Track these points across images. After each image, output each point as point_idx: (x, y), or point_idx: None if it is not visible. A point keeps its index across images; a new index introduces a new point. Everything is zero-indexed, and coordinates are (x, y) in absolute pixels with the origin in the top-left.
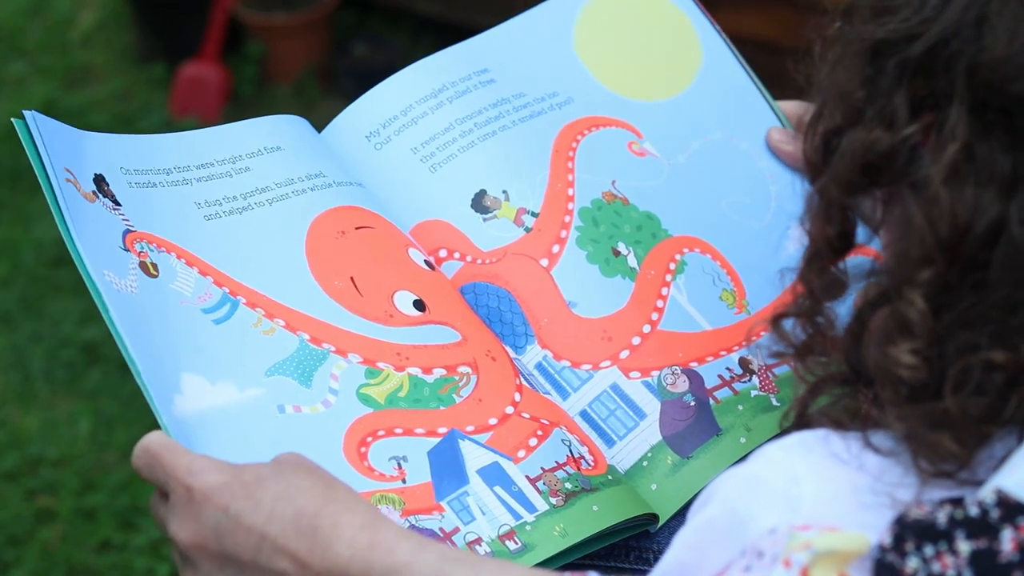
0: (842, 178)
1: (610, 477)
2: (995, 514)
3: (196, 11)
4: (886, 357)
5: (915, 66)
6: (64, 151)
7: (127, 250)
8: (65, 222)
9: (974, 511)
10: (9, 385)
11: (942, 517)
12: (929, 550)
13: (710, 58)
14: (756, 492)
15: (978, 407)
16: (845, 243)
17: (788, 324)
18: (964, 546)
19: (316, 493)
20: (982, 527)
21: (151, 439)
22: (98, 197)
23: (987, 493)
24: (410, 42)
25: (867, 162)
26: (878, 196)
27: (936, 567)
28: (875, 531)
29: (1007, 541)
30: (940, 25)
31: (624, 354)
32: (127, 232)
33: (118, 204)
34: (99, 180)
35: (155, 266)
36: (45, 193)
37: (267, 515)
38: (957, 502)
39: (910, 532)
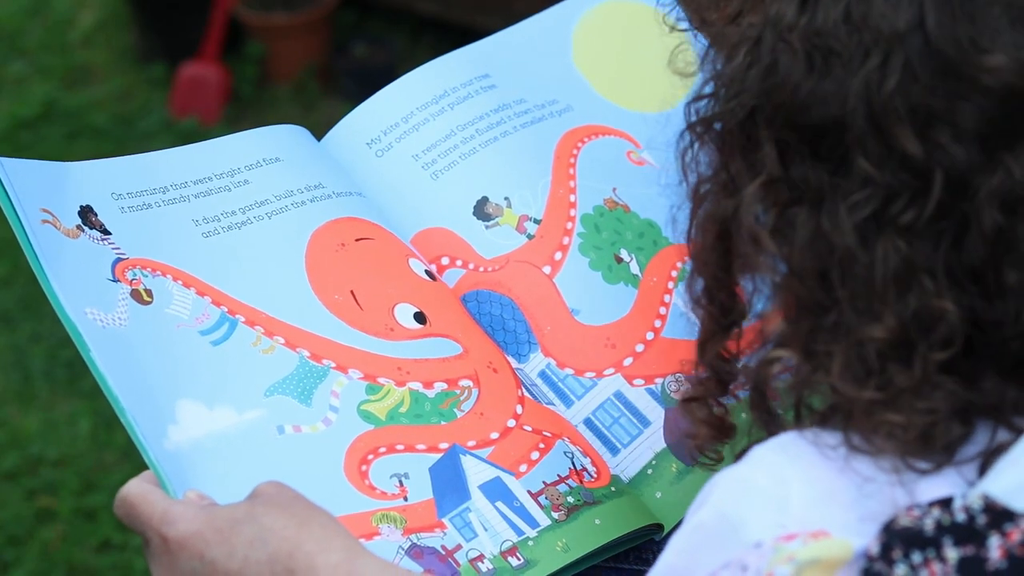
0: (704, 252)
1: (613, 489)
2: (982, 520)
3: (196, 11)
4: (760, 365)
5: (739, 132)
6: (41, 190)
7: (117, 280)
8: (42, 267)
9: (961, 517)
10: (9, 385)
11: (929, 524)
12: (917, 557)
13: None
14: (745, 494)
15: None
16: (730, 311)
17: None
18: (952, 553)
19: (289, 534)
20: (969, 534)
21: (128, 488)
22: (83, 230)
23: (974, 498)
24: (410, 42)
25: (719, 231)
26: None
27: (924, 575)
28: (864, 531)
29: (994, 548)
30: (747, 92)
31: (628, 361)
32: (117, 261)
33: (108, 233)
34: (85, 212)
35: (149, 292)
36: (20, 240)
37: (242, 560)
38: (946, 504)
39: (897, 540)
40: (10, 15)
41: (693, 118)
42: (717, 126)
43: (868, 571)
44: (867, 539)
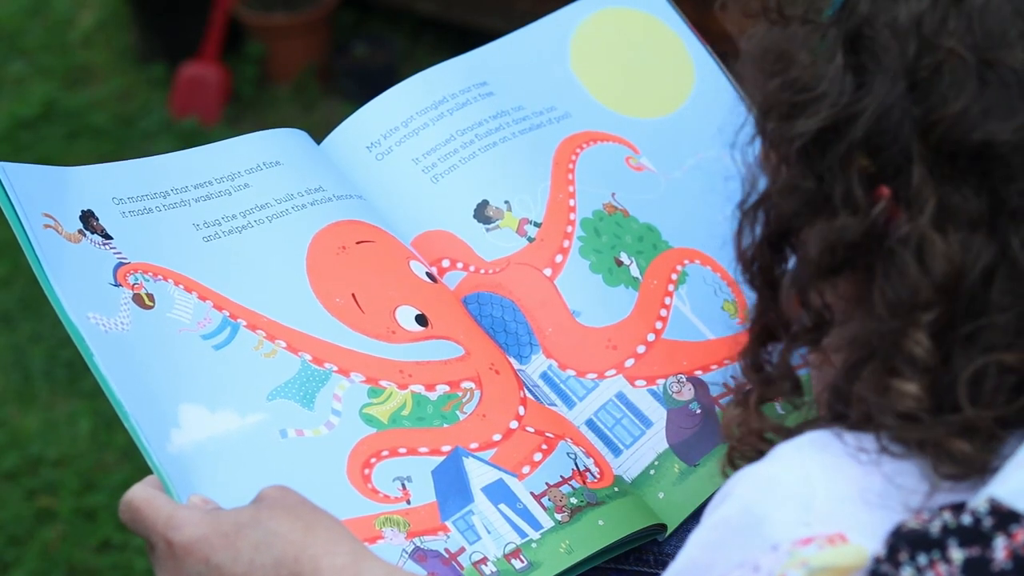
0: (815, 268)
1: (616, 489)
2: (988, 522)
3: (196, 11)
4: (887, 396)
5: (859, 146)
6: (42, 195)
7: (118, 285)
8: (44, 272)
9: (967, 520)
10: (9, 385)
11: (936, 526)
12: (923, 559)
13: (703, 78)
14: (770, 491)
15: (993, 412)
16: (824, 323)
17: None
18: (957, 554)
19: (295, 538)
20: (975, 535)
21: (133, 493)
22: (85, 235)
23: (980, 502)
24: (410, 42)
25: (840, 247)
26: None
27: None
28: (886, 531)
29: (1000, 549)
30: (873, 101)
31: (629, 363)
32: (119, 266)
33: (109, 238)
34: (87, 216)
35: (151, 296)
36: (22, 244)
37: (247, 564)
38: (958, 508)
39: (904, 542)
40: (10, 15)
41: (773, 128)
42: (815, 136)
43: (875, 573)
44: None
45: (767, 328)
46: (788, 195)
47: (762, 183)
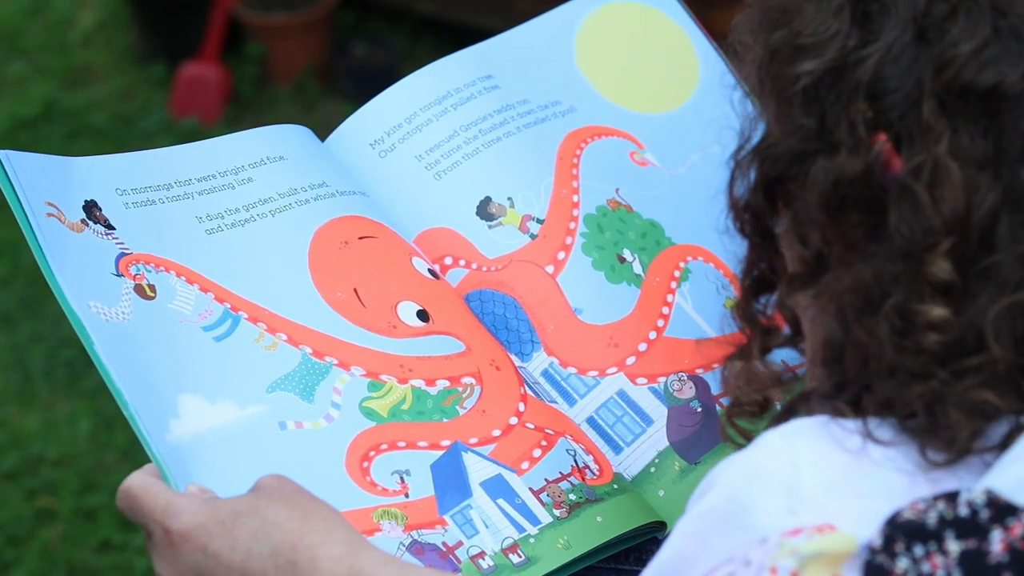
0: (817, 203)
1: (616, 486)
2: (985, 515)
3: (196, 11)
4: (910, 336)
5: (864, 89)
6: (46, 184)
7: (120, 275)
8: (46, 260)
9: (964, 512)
10: (9, 385)
11: (932, 517)
12: (919, 550)
13: (708, 74)
14: (756, 479)
15: (1016, 356)
16: (823, 263)
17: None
18: (954, 546)
19: (292, 527)
20: (972, 528)
21: (131, 481)
22: (87, 225)
23: (977, 494)
24: (410, 42)
25: (843, 183)
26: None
27: (926, 567)
28: (873, 519)
29: (996, 542)
30: (882, 47)
31: (631, 360)
32: (121, 256)
33: (111, 228)
34: (89, 206)
35: (152, 287)
36: (24, 233)
37: (245, 553)
38: (951, 497)
39: (900, 533)
40: (10, 15)
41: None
42: (820, 77)
43: (871, 563)
44: (872, 532)
45: (759, 279)
46: (788, 136)
47: (756, 135)
